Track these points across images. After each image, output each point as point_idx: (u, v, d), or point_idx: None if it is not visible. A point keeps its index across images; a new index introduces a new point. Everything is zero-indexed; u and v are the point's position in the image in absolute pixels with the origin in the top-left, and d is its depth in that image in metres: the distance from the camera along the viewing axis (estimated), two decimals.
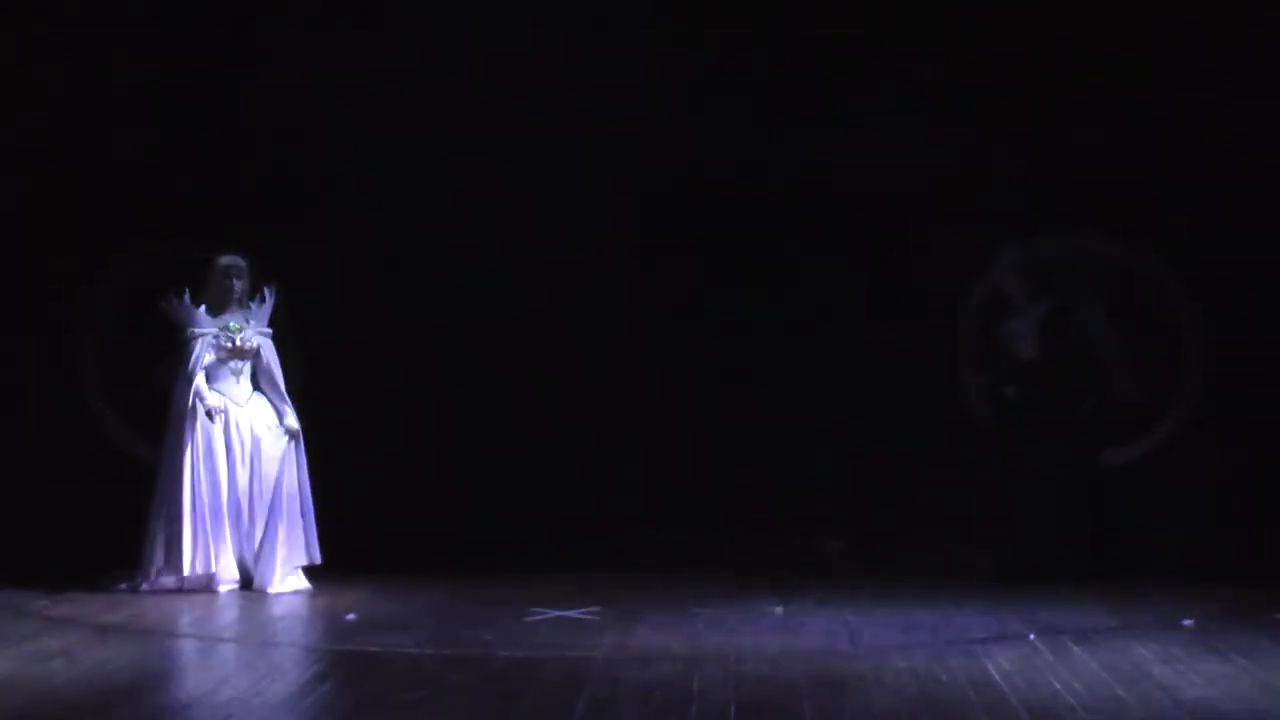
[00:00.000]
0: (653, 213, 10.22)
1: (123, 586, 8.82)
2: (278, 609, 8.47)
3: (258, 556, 8.87)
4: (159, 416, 10.11)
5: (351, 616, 8.27)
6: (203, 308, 9.05)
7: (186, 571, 8.74)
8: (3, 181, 10.25)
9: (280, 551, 8.86)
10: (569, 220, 10.17)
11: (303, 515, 8.94)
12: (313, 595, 8.83)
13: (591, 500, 10.32)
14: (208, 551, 8.78)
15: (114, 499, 9.98)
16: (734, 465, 10.21)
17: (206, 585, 8.80)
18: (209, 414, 8.84)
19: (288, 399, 9.05)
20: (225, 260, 9.10)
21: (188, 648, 7.70)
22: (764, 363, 10.24)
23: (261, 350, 9.08)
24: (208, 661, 7.46)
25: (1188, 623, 7.66)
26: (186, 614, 8.30)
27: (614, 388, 10.32)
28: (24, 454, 10.27)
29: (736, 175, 10.20)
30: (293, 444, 8.96)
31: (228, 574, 8.85)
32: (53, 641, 7.53)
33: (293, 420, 8.98)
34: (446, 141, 10.16)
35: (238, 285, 9.05)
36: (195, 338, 8.99)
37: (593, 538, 10.15)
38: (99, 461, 10.26)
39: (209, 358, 8.98)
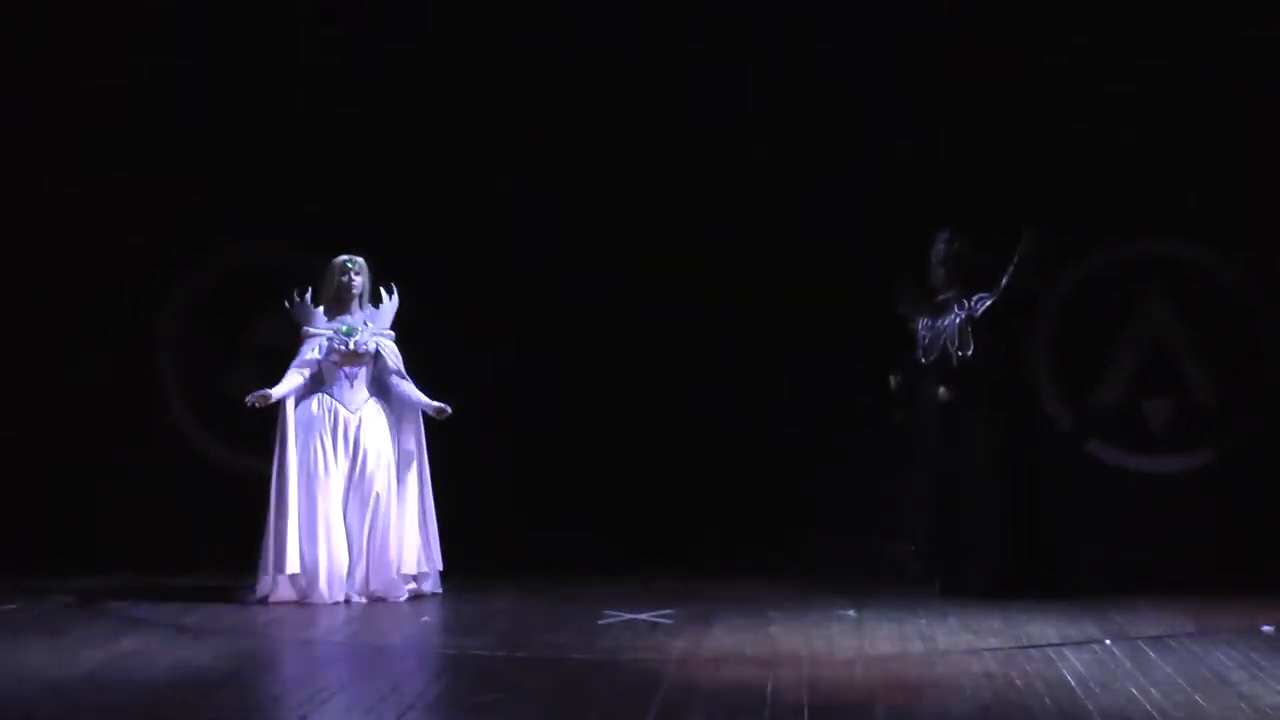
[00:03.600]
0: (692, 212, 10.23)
1: (249, 597, 8.60)
2: (353, 610, 8.51)
3: (362, 566, 8.64)
4: (237, 421, 10.27)
5: (425, 618, 8.32)
6: (320, 309, 8.78)
7: (290, 570, 8.50)
8: (80, 182, 10.38)
9: (384, 558, 8.65)
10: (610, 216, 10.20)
11: (423, 525, 8.75)
12: (406, 601, 8.69)
13: (663, 503, 10.33)
14: (303, 555, 8.54)
15: (196, 502, 10.15)
16: (804, 467, 10.18)
17: (319, 594, 8.53)
18: (253, 401, 8.61)
19: (422, 393, 8.76)
20: (341, 257, 8.80)
21: (263, 648, 7.75)
22: (834, 365, 10.21)
23: (382, 352, 8.78)
24: (283, 662, 7.53)
25: (1268, 629, 7.58)
26: (263, 615, 8.36)
27: (683, 389, 10.32)
28: (107, 456, 10.41)
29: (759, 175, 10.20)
30: (408, 453, 8.75)
31: (336, 583, 8.58)
32: (131, 642, 7.61)
33: (434, 404, 8.69)
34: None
35: (356, 282, 8.75)
36: (307, 337, 8.76)
37: (664, 540, 10.16)
38: (180, 463, 10.40)
39: (313, 355, 8.73)
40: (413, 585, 8.76)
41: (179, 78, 10.27)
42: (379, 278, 8.95)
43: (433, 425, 8.92)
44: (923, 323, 8.89)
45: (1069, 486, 9.50)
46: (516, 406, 10.33)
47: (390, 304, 8.88)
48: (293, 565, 8.57)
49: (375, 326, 8.84)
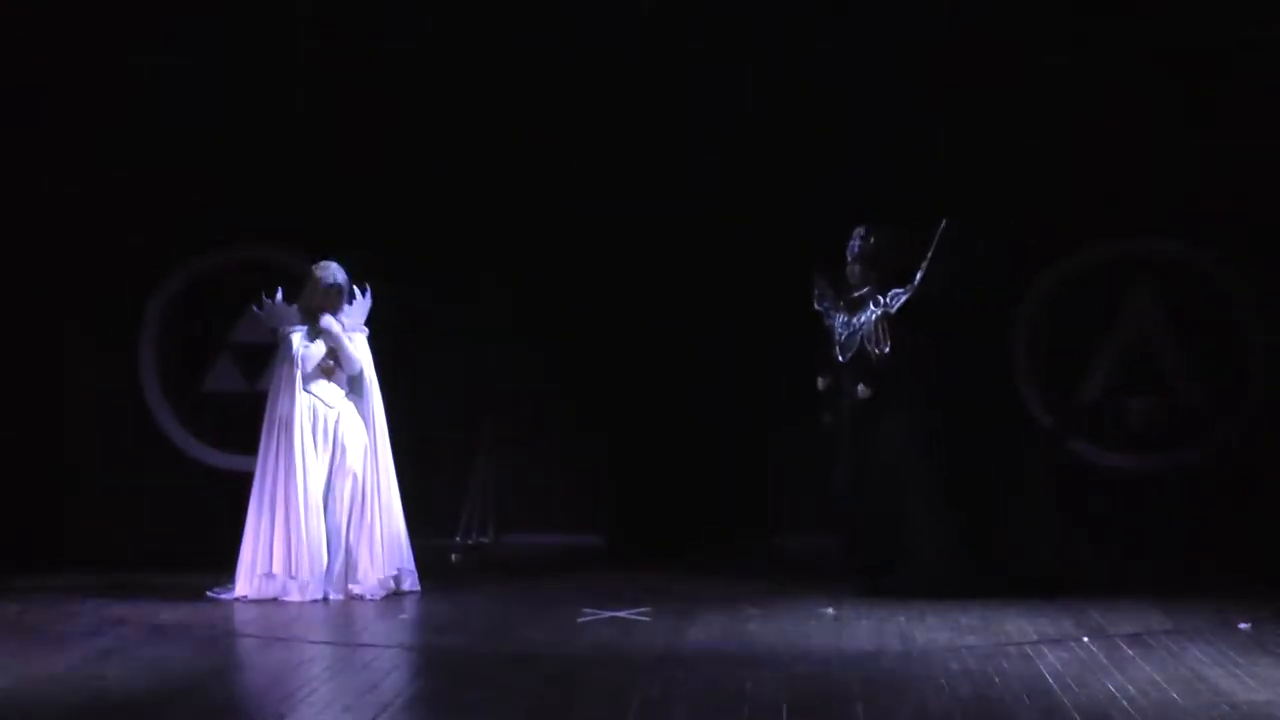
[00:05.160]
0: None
1: (223, 595, 8.61)
2: (331, 608, 8.50)
3: (349, 562, 8.63)
4: (218, 419, 10.25)
5: (405, 615, 8.31)
6: (294, 307, 8.78)
7: (269, 568, 8.54)
8: (80, 182, 10.36)
9: (371, 556, 8.64)
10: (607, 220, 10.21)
11: (396, 530, 8.73)
12: (384, 598, 8.65)
13: (643, 501, 10.34)
14: (292, 555, 8.53)
15: (175, 499, 10.14)
16: (783, 466, 10.18)
17: (298, 592, 8.53)
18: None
19: (372, 403, 8.77)
20: (329, 280, 8.74)
21: (242, 646, 7.75)
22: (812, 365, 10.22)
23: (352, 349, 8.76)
24: (262, 660, 7.51)
25: (1244, 626, 7.60)
26: (242, 613, 8.35)
27: (674, 388, 10.32)
28: (84, 452, 10.39)
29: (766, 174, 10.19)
30: (380, 453, 8.73)
31: (314, 580, 8.55)
32: (108, 640, 7.59)
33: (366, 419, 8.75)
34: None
35: (337, 304, 8.76)
36: (289, 334, 8.74)
37: (643, 538, 10.17)
38: (159, 460, 10.40)
39: (301, 348, 8.68)
40: (391, 583, 8.75)
41: (179, 78, 10.26)
42: (363, 277, 8.94)
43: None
44: (839, 319, 8.73)
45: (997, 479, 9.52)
46: (499, 404, 10.33)
47: (363, 302, 8.89)
48: (274, 562, 8.57)
49: (350, 324, 8.83)
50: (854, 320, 8.67)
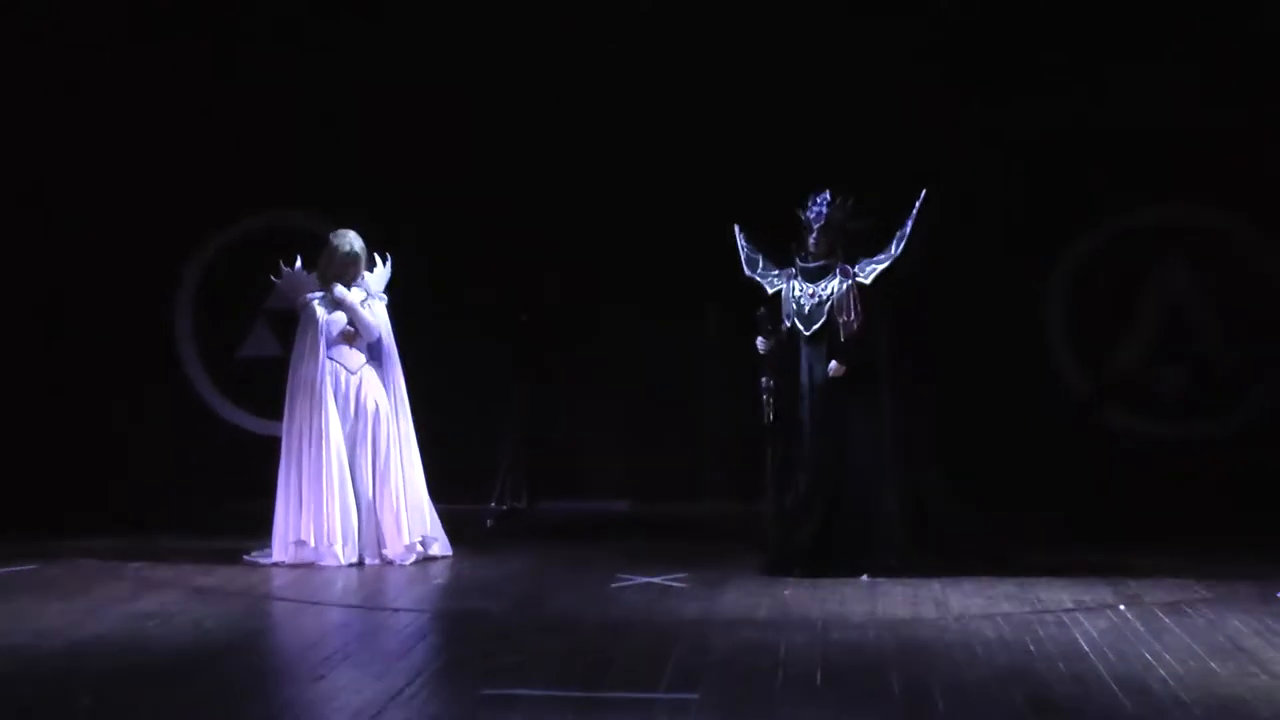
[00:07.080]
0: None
1: (260, 559, 8.67)
2: (365, 573, 8.54)
3: (377, 526, 8.68)
4: (256, 385, 10.31)
5: (438, 581, 8.34)
6: (314, 275, 8.81)
7: (304, 533, 8.59)
8: (80, 182, 10.41)
9: (397, 521, 8.67)
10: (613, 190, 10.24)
11: (419, 496, 8.77)
12: (417, 563, 8.69)
13: (677, 468, 10.36)
14: (324, 521, 8.58)
15: (215, 464, 10.22)
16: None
17: (332, 557, 8.57)
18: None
19: (393, 370, 8.82)
20: (347, 247, 8.77)
21: (279, 610, 7.79)
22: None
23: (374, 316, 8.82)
24: (299, 624, 7.54)
25: None
26: (279, 577, 8.39)
27: (698, 356, 10.33)
28: (125, 418, 10.47)
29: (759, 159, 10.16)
30: (400, 418, 8.76)
31: (349, 546, 8.61)
32: (148, 603, 7.65)
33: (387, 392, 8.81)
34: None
35: (354, 272, 8.81)
36: (309, 303, 8.79)
37: (679, 505, 10.19)
38: (199, 426, 10.48)
39: (323, 315, 8.73)
40: (419, 548, 8.78)
41: (179, 77, 10.27)
42: (385, 246, 8.98)
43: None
44: (803, 290, 8.35)
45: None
46: (530, 371, 10.36)
47: (383, 270, 8.93)
48: (306, 528, 8.61)
49: (371, 291, 8.86)
50: (819, 290, 8.32)
